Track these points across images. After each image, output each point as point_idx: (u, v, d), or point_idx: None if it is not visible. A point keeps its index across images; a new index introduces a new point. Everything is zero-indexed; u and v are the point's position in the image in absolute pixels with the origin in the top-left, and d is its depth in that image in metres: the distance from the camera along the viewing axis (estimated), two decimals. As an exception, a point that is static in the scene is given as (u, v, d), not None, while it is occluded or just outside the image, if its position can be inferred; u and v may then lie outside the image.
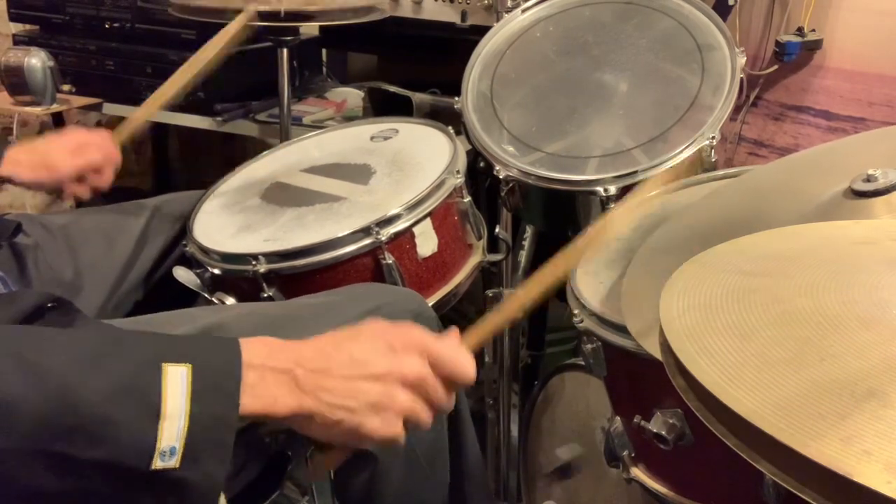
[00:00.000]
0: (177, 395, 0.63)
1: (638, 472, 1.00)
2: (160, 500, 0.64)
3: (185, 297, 1.21)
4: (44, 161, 1.24)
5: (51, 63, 1.90)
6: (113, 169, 1.30)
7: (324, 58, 2.24)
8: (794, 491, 0.48)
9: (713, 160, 1.22)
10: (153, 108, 1.41)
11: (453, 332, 0.80)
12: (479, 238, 1.31)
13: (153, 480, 0.63)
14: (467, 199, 1.26)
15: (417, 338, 0.75)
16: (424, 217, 1.18)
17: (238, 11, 1.44)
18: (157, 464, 0.62)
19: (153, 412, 0.62)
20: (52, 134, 1.35)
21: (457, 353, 0.76)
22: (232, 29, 1.41)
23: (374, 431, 0.72)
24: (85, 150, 1.27)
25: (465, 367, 0.75)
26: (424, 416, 0.74)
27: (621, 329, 0.93)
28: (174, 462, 0.62)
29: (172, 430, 0.62)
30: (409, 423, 0.73)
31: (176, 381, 0.63)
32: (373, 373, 0.72)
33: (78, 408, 0.60)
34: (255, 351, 0.69)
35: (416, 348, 0.74)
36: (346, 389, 0.71)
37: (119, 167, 1.32)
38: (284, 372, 0.70)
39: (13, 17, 2.10)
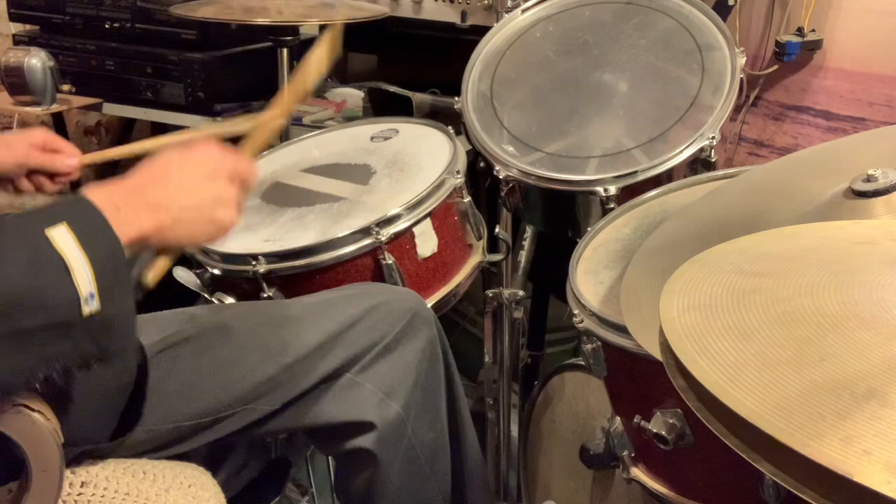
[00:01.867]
0: (71, 249, 0.71)
1: (638, 472, 1.00)
2: (96, 343, 0.73)
3: (185, 297, 1.21)
4: (4, 140, 1.19)
5: (51, 63, 1.89)
6: (66, 182, 1.22)
7: (324, 58, 2.23)
8: (794, 491, 0.48)
9: (713, 160, 1.22)
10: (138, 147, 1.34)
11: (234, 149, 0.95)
12: (479, 238, 1.31)
13: (86, 328, 0.71)
14: (467, 199, 1.26)
15: (216, 150, 0.90)
16: (424, 217, 1.18)
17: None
18: (85, 310, 0.71)
19: (62, 269, 0.70)
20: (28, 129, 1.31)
21: (245, 159, 0.94)
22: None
23: (223, 220, 0.87)
24: (51, 150, 1.22)
25: (253, 168, 0.94)
26: (243, 202, 0.90)
27: (621, 329, 0.93)
28: (96, 305, 0.71)
29: (84, 278, 0.71)
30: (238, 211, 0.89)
31: (64, 240, 0.71)
32: (204, 175, 0.86)
33: (10, 292, 0.69)
34: (100, 195, 0.78)
35: (221, 153, 0.89)
36: (190, 194, 0.84)
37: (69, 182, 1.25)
38: (133, 199, 0.80)
39: (13, 17, 2.10)
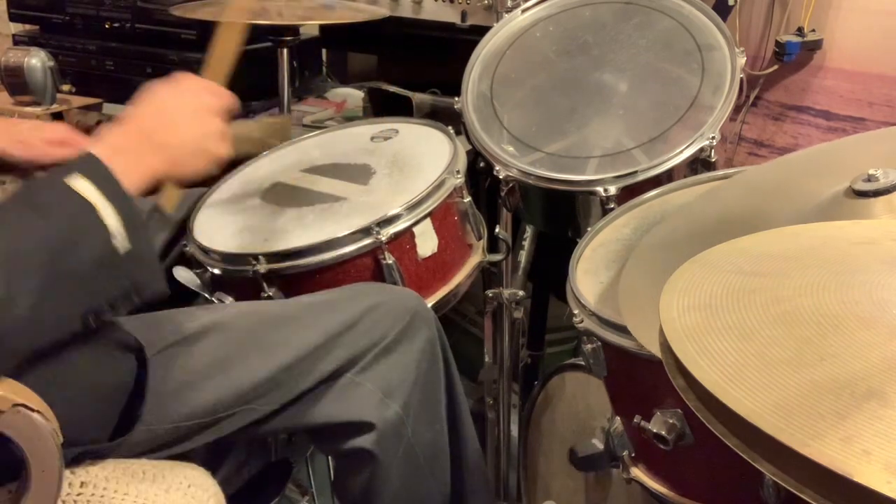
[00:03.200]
0: (95, 196, 0.80)
1: (638, 472, 0.99)
2: (129, 278, 0.82)
3: (185, 297, 1.21)
4: (21, 137, 1.20)
5: (51, 63, 1.89)
6: None
7: (324, 58, 2.23)
8: (794, 491, 0.48)
9: (713, 160, 1.22)
10: None
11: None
12: (479, 238, 1.31)
13: (120, 263, 0.80)
14: (467, 199, 1.26)
15: (199, 86, 1.00)
16: (424, 217, 1.18)
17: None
18: (118, 246, 0.79)
19: (92, 213, 0.79)
20: (43, 123, 1.32)
21: (223, 92, 1.03)
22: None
23: (217, 152, 0.96)
24: (66, 147, 1.22)
25: (231, 99, 1.02)
26: (228, 132, 0.98)
27: (621, 329, 0.93)
28: (126, 242, 0.80)
29: (109, 215, 0.79)
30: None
31: (87, 188, 0.80)
32: (196, 111, 0.95)
33: (57, 236, 0.78)
34: (111, 143, 0.88)
35: (204, 89, 0.99)
36: (187, 131, 0.93)
37: None
38: (140, 142, 0.89)
39: (13, 17, 2.10)
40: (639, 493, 1.02)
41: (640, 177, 1.21)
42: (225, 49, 1.15)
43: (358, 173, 1.31)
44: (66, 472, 0.85)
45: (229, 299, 1.16)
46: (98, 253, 0.79)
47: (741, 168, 1.14)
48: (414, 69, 2.04)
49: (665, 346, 0.60)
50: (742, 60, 1.28)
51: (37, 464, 0.75)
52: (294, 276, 1.14)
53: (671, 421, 0.89)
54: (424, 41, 1.82)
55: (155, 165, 0.89)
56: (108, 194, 0.80)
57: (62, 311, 0.78)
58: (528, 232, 1.69)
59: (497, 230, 1.46)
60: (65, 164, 0.83)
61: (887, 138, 0.99)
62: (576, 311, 1.01)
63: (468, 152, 1.33)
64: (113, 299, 0.81)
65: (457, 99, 1.39)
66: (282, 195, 1.30)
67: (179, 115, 0.94)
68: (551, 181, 1.25)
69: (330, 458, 1.44)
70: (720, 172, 1.20)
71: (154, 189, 0.93)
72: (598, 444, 1.15)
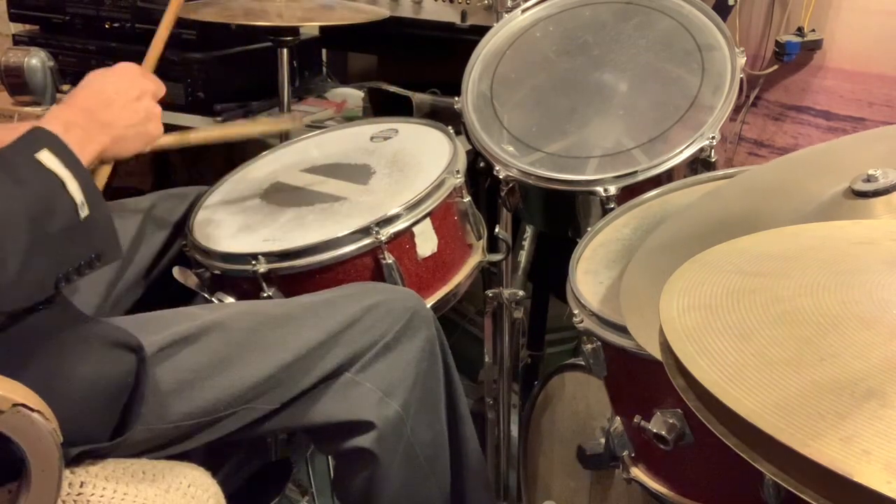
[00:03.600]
0: (59, 167, 0.86)
1: (638, 472, 0.99)
2: (91, 244, 0.89)
3: (184, 296, 1.21)
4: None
5: (51, 63, 1.89)
6: None
7: (324, 58, 2.23)
8: (794, 491, 0.48)
9: (713, 160, 1.22)
10: None
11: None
12: (479, 238, 1.31)
13: (84, 230, 0.87)
14: (467, 199, 1.26)
15: (136, 71, 1.08)
16: (424, 217, 1.18)
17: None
18: (82, 214, 0.86)
19: (59, 183, 0.85)
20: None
21: (155, 78, 1.11)
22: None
23: (153, 133, 1.05)
24: None
25: (161, 86, 1.10)
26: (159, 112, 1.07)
27: (621, 329, 0.93)
28: (87, 210, 0.86)
29: (75, 189, 0.86)
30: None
31: (51, 161, 0.86)
32: (135, 95, 1.03)
33: (33, 203, 0.83)
34: (62, 120, 0.94)
35: (141, 74, 1.07)
36: (129, 112, 1.01)
37: None
38: (89, 120, 0.97)
39: (13, 17, 2.10)
40: (639, 493, 1.02)
41: (640, 177, 1.21)
42: (159, 39, 1.23)
43: (358, 173, 1.31)
44: (66, 472, 0.85)
45: (229, 299, 1.16)
46: (66, 221, 0.85)
47: (742, 168, 1.14)
48: (414, 69, 2.04)
49: (665, 346, 0.60)
50: (742, 60, 1.28)
51: (37, 464, 0.75)
52: (294, 275, 1.14)
53: (671, 421, 0.89)
54: (424, 41, 1.82)
55: (101, 142, 0.97)
56: (71, 167, 0.87)
57: (40, 275, 0.84)
58: (528, 232, 1.69)
59: (497, 230, 1.46)
60: (25, 138, 0.88)
61: (887, 138, 0.99)
62: (576, 311, 1.01)
63: (468, 152, 1.33)
64: (79, 265, 0.88)
65: (457, 99, 1.39)
66: (282, 195, 1.30)
67: (119, 98, 1.01)
68: (551, 181, 1.25)
69: (330, 457, 1.44)
70: (720, 172, 1.20)
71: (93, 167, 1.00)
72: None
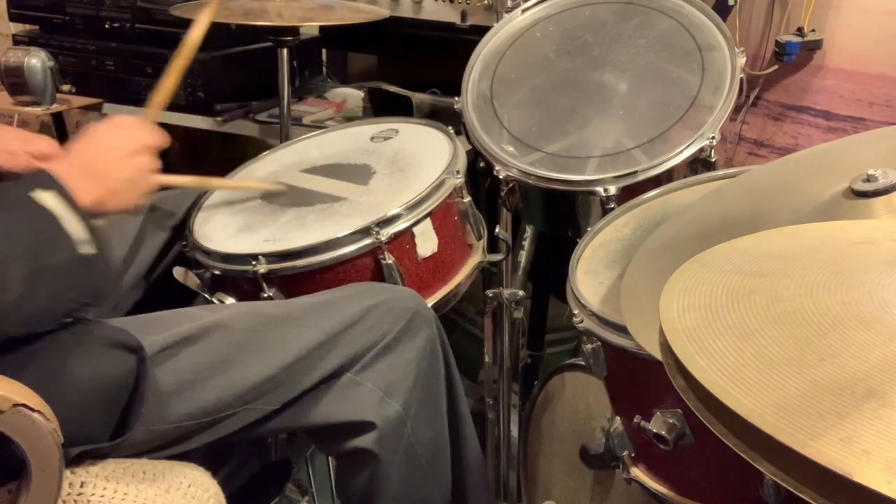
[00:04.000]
0: (58, 206, 0.88)
1: (638, 472, 1.00)
2: (94, 278, 0.91)
3: (184, 297, 1.21)
4: (9, 147, 1.20)
5: (51, 63, 1.89)
6: None
7: (324, 58, 2.23)
8: (794, 491, 0.48)
9: (713, 160, 1.22)
10: None
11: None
12: (479, 238, 1.31)
13: (86, 265, 0.88)
14: (467, 199, 1.26)
15: (136, 126, 1.09)
16: (424, 217, 1.18)
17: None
18: (82, 251, 0.88)
19: (55, 223, 0.87)
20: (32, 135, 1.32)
21: (151, 129, 1.11)
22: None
23: (147, 188, 1.07)
24: (50, 161, 1.21)
25: (162, 138, 1.11)
26: (158, 167, 1.09)
27: (621, 329, 0.93)
28: (92, 248, 0.88)
29: (74, 226, 0.88)
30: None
31: (49, 199, 0.88)
32: (133, 150, 1.05)
33: (30, 236, 0.86)
34: (62, 168, 0.94)
35: (140, 129, 1.08)
36: (125, 167, 1.04)
37: None
38: (86, 171, 0.98)
39: (13, 17, 2.10)
40: (639, 493, 1.02)
41: (640, 177, 1.21)
42: (165, 89, 1.19)
43: (358, 173, 1.31)
44: (66, 472, 0.85)
45: (229, 299, 1.16)
46: (69, 255, 0.87)
47: (742, 168, 1.14)
48: (414, 69, 2.04)
49: (665, 346, 0.60)
50: (742, 60, 1.28)
51: (37, 464, 0.75)
52: (294, 276, 1.14)
53: (671, 421, 0.89)
54: (424, 41, 1.82)
55: (95, 194, 0.97)
56: (70, 206, 0.89)
57: (41, 304, 0.86)
58: (528, 232, 1.69)
59: (497, 230, 1.46)
60: (20, 180, 0.93)
61: (887, 138, 0.99)
62: (576, 311, 1.01)
63: (468, 152, 1.33)
64: (85, 300, 0.90)
65: (457, 99, 1.39)
66: (282, 195, 1.30)
67: (116, 152, 1.04)
68: (551, 181, 1.25)
69: (330, 458, 1.44)
70: (720, 172, 1.20)
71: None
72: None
